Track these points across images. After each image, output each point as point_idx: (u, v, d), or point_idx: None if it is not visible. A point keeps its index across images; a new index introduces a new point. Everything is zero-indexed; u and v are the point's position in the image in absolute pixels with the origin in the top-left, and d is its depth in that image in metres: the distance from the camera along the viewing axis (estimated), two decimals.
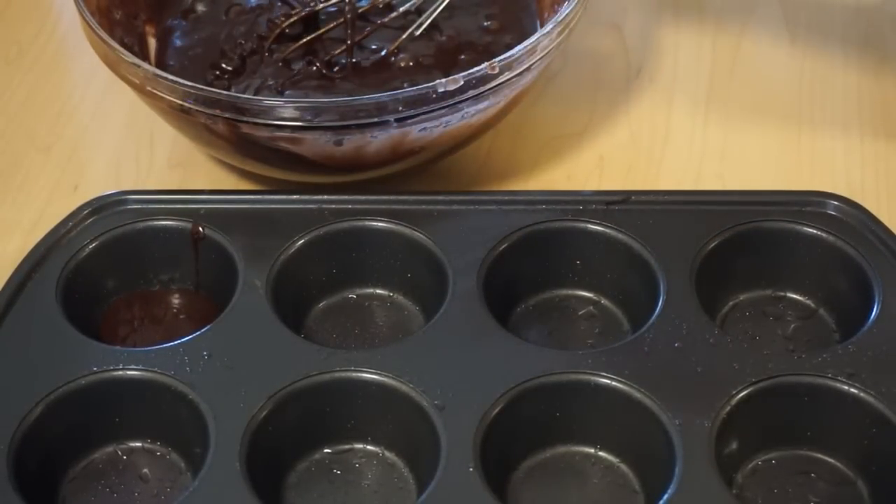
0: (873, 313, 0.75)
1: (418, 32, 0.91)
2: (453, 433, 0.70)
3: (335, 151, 0.81)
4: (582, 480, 0.73)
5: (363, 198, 0.82)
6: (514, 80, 0.81)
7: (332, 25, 0.91)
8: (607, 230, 0.79)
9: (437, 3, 0.91)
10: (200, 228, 0.80)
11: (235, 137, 0.82)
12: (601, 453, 0.74)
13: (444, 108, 0.79)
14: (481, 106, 0.81)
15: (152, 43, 0.94)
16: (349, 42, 0.91)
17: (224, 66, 0.91)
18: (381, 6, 0.93)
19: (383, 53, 0.91)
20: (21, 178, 0.91)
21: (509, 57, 0.81)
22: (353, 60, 0.90)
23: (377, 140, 0.80)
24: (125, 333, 0.79)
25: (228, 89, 0.88)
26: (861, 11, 1.01)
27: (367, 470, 0.74)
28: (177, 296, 0.82)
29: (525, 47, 0.81)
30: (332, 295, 0.82)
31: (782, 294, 0.81)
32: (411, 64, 0.90)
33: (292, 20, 0.92)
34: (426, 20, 0.91)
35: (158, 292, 0.82)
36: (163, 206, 0.81)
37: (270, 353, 0.74)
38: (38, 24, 1.03)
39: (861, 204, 0.81)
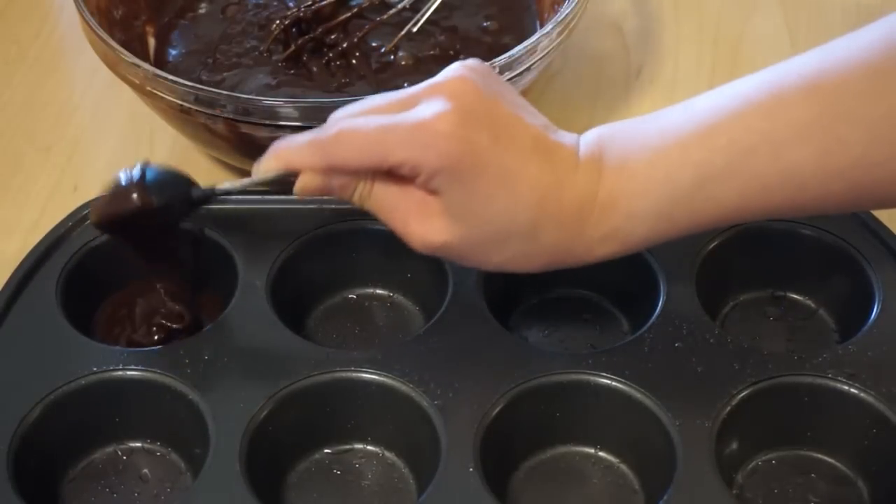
0: (873, 313, 0.75)
1: (415, 29, 0.91)
2: (453, 433, 0.70)
3: None
4: (582, 480, 0.73)
5: None
6: (514, 80, 0.81)
7: (330, 24, 0.91)
8: None
9: (432, 1, 0.92)
10: (200, 228, 0.80)
11: (235, 137, 0.82)
12: (601, 453, 0.74)
13: None
14: None
15: (152, 42, 0.94)
16: (346, 42, 0.91)
17: (223, 64, 0.91)
18: (377, 3, 0.93)
19: (381, 51, 0.91)
20: (21, 178, 0.91)
21: (509, 57, 0.81)
22: (349, 60, 0.91)
23: None
24: (123, 333, 0.79)
25: (225, 87, 0.88)
26: (861, 12, 1.01)
27: (367, 470, 0.74)
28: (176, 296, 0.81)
29: (525, 47, 0.81)
30: (332, 295, 0.82)
31: (782, 294, 0.81)
32: (412, 64, 0.90)
33: (291, 18, 0.92)
34: (422, 17, 0.91)
35: (157, 291, 0.81)
36: None
37: (270, 353, 0.74)
38: (38, 24, 1.03)
39: None
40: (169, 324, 0.77)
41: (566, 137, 0.69)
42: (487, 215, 0.67)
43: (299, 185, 0.69)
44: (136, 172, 0.71)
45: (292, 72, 0.90)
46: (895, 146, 0.63)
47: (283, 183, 0.70)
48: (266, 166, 0.69)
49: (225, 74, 0.90)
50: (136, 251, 0.76)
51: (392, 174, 0.67)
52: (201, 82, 0.85)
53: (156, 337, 0.76)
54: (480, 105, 0.67)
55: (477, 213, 0.67)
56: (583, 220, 0.67)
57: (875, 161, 0.64)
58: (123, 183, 0.72)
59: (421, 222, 0.68)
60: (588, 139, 0.69)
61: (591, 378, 0.72)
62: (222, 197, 0.80)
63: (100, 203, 0.73)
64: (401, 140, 0.66)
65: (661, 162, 0.67)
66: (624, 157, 0.67)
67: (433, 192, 0.67)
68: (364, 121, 0.68)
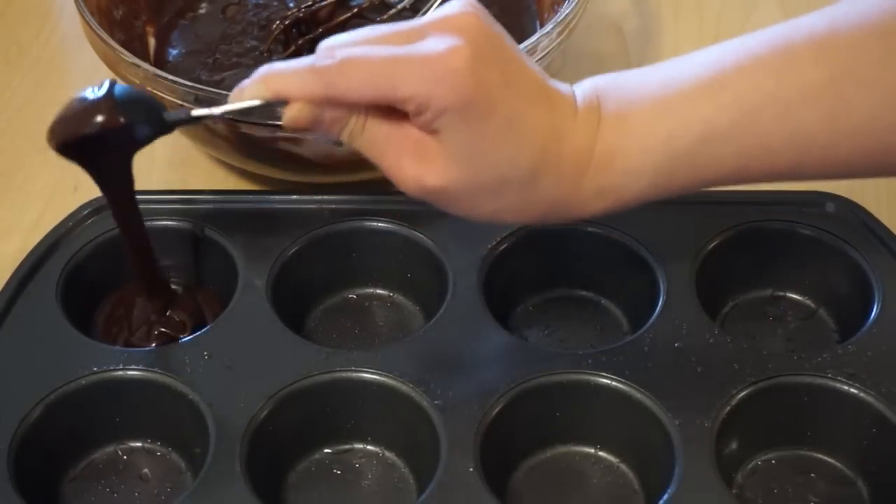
0: (873, 313, 0.75)
1: None
2: (453, 433, 0.70)
3: (335, 151, 0.81)
4: (582, 480, 0.73)
5: (363, 198, 0.82)
6: None
7: (330, 24, 0.91)
8: (607, 230, 0.79)
9: (432, 2, 0.92)
10: (201, 228, 0.80)
11: (235, 137, 0.82)
12: (601, 453, 0.74)
13: None
14: None
15: (152, 42, 0.94)
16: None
17: (223, 64, 0.91)
18: (377, 3, 0.93)
19: None
20: (21, 179, 0.91)
21: None
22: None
23: None
24: (120, 334, 0.79)
25: (224, 87, 0.88)
26: None
27: (367, 470, 0.74)
28: (176, 295, 0.81)
29: (525, 47, 0.81)
30: (332, 295, 0.82)
31: (782, 294, 0.81)
32: None
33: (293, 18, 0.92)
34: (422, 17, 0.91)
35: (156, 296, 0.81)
36: (163, 206, 0.81)
37: (270, 353, 0.74)
38: (38, 24, 1.03)
39: (861, 204, 0.81)
40: (169, 332, 0.77)
41: (562, 86, 0.67)
42: (490, 160, 0.64)
43: (290, 115, 0.63)
44: (103, 90, 0.66)
45: None
46: None
47: (263, 111, 0.65)
48: (252, 92, 0.64)
49: (225, 74, 0.90)
50: (98, 178, 0.71)
51: (389, 110, 0.64)
52: (201, 82, 0.85)
53: (154, 343, 0.76)
54: (490, 44, 0.64)
55: (479, 156, 0.63)
56: (580, 173, 0.65)
57: (883, 126, 0.62)
58: (90, 99, 0.66)
59: (416, 163, 0.64)
60: (584, 88, 0.67)
61: (591, 378, 0.72)
62: (223, 196, 0.81)
63: (62, 121, 0.67)
64: (412, 73, 0.62)
65: (663, 117, 0.64)
66: (623, 109, 0.65)
67: (434, 131, 0.63)
68: (371, 50, 0.63)
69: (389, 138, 0.64)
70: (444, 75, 0.62)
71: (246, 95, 0.64)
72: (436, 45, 0.62)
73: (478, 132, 0.63)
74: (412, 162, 0.64)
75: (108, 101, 0.66)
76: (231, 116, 0.79)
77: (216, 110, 0.66)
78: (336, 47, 0.64)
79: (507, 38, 0.66)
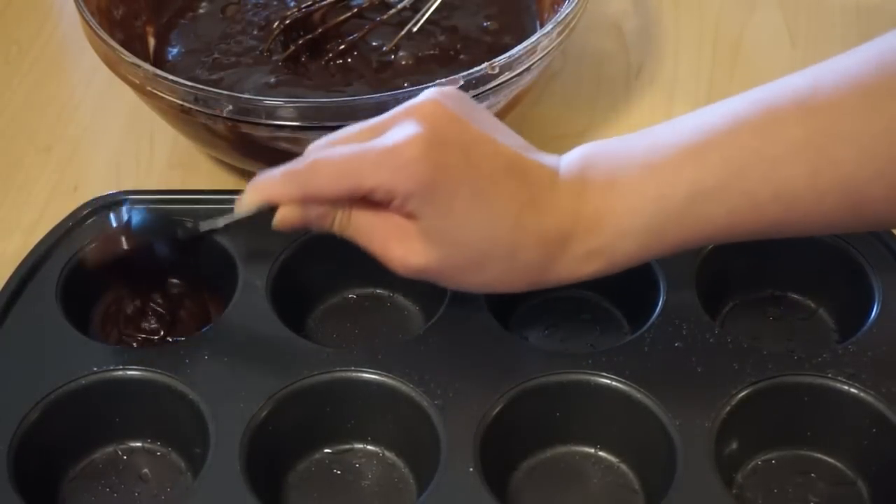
0: (873, 313, 0.75)
1: (415, 29, 0.91)
2: (453, 433, 0.70)
3: None
4: (582, 480, 0.73)
5: None
6: (514, 80, 0.81)
7: (330, 24, 0.91)
8: None
9: (432, 1, 0.92)
10: (198, 227, 0.80)
11: (235, 137, 0.82)
12: (601, 453, 0.74)
13: None
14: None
15: (152, 42, 0.94)
16: (345, 42, 0.91)
17: (222, 64, 0.91)
18: (377, 3, 0.93)
19: (382, 51, 0.91)
20: (21, 178, 0.91)
21: (509, 57, 0.81)
22: (349, 60, 0.91)
23: None
24: (112, 332, 0.79)
25: (223, 85, 0.87)
26: (861, 12, 1.01)
27: (367, 470, 0.74)
28: (176, 295, 0.81)
29: (525, 47, 0.81)
30: (332, 295, 0.82)
31: (782, 294, 0.81)
32: (412, 63, 0.90)
33: (294, 17, 0.92)
34: (422, 17, 0.91)
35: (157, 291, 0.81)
36: (163, 206, 0.81)
37: (270, 353, 0.74)
38: (38, 24, 1.03)
39: None
40: (169, 332, 0.77)
41: (545, 158, 0.69)
42: (463, 237, 0.67)
43: (278, 217, 0.70)
44: (122, 217, 0.74)
45: (292, 72, 0.90)
46: (884, 163, 0.64)
47: (266, 217, 0.70)
48: (247, 200, 0.70)
49: (224, 73, 0.90)
50: (131, 290, 0.78)
51: (369, 200, 0.68)
52: (200, 81, 0.85)
53: (145, 340, 0.77)
54: (451, 127, 0.67)
55: (453, 234, 0.67)
56: (564, 239, 0.68)
57: (865, 178, 0.64)
58: (112, 227, 0.75)
59: (400, 246, 0.68)
60: (571, 157, 0.69)
61: (591, 378, 0.72)
62: (223, 196, 0.81)
63: (90, 249, 0.76)
64: (372, 166, 0.67)
65: (652, 179, 0.67)
66: (611, 174, 0.68)
67: (410, 215, 0.67)
68: (338, 149, 0.68)
69: (374, 225, 0.68)
70: (402, 164, 0.66)
71: (244, 205, 0.70)
72: (395, 135, 0.67)
73: (445, 213, 0.67)
74: (397, 245, 0.68)
75: (125, 229, 0.74)
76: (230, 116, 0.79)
77: (220, 222, 0.73)
78: (313, 150, 0.69)
79: (478, 119, 0.69)
